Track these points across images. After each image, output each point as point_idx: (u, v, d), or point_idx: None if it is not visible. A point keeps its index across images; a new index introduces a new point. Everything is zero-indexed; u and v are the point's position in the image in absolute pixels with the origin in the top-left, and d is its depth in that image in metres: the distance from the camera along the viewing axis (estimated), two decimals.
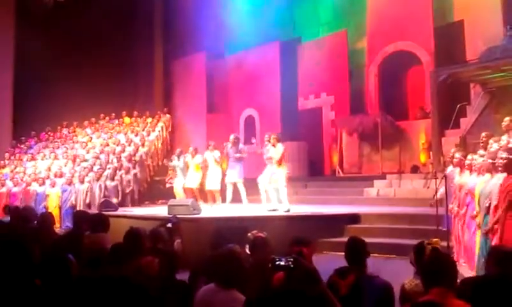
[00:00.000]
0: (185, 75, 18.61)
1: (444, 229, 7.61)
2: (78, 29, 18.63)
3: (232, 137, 11.28)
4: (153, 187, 15.56)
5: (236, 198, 11.30)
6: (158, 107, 18.63)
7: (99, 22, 18.62)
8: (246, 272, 3.30)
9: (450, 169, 8.11)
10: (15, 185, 14.73)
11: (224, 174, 11.72)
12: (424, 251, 3.86)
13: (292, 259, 3.25)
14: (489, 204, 5.88)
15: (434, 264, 2.63)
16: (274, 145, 10.38)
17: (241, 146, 11.48)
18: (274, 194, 10.46)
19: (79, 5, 17.87)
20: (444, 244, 6.70)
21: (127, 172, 14.26)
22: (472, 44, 12.14)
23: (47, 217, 6.58)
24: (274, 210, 10.35)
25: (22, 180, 14.90)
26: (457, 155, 7.64)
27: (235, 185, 11.16)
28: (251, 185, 11.11)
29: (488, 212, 5.96)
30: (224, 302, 3.15)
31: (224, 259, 3.28)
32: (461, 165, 7.38)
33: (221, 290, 3.20)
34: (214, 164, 11.76)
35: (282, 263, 3.26)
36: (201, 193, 12.23)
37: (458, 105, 11.86)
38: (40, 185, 14.30)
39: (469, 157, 7.09)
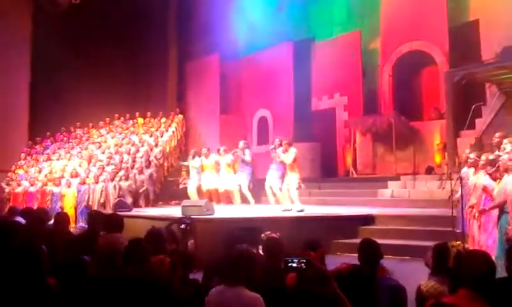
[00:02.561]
0: (198, 76, 18.65)
1: (458, 230, 7.54)
2: (92, 30, 18.83)
3: (241, 143, 11.94)
4: (166, 188, 15.61)
5: (245, 200, 11.75)
6: (171, 108, 18.69)
7: (113, 23, 18.81)
8: (253, 268, 3.30)
9: (464, 170, 8.03)
10: (31, 185, 14.91)
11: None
12: (445, 253, 3.82)
13: (304, 261, 3.26)
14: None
15: (468, 265, 2.62)
16: (286, 150, 10.46)
17: (247, 151, 12.07)
18: (286, 194, 10.49)
19: (93, 6, 18.05)
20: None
21: (141, 172, 14.33)
22: (487, 44, 12.00)
23: (62, 217, 6.60)
24: (288, 210, 10.36)
25: (38, 180, 15.09)
26: (472, 155, 7.58)
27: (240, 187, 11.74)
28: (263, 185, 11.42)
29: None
30: (232, 299, 3.17)
31: (228, 258, 3.30)
32: (475, 165, 7.32)
33: (228, 288, 3.22)
34: (225, 167, 11.98)
35: (295, 264, 3.27)
36: (217, 195, 12.37)
37: (473, 106, 11.72)
38: (56, 185, 14.47)
39: (483, 157, 7.03)
